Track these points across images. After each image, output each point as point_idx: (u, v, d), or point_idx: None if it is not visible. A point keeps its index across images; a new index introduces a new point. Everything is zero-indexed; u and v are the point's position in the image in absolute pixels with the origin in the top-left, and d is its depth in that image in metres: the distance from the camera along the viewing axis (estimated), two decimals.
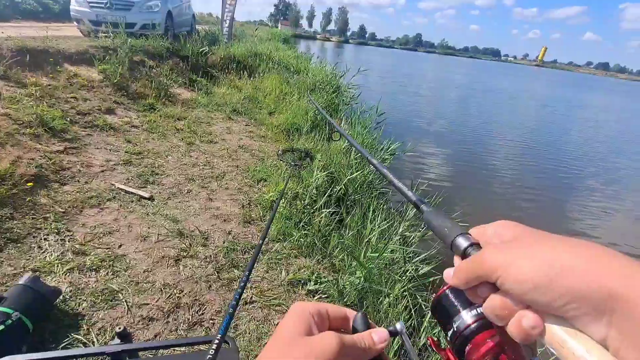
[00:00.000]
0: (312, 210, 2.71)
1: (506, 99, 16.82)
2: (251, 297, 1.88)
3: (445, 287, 0.39)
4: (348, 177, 3.19)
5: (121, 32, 5.60)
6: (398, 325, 0.36)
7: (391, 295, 1.96)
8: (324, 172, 3.21)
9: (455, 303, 0.37)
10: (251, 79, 6.96)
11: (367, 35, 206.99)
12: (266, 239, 2.31)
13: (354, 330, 0.34)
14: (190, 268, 2.02)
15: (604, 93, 35.90)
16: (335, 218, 2.74)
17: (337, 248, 2.39)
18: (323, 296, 1.96)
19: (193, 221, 2.44)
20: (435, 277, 2.31)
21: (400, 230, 2.74)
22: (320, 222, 2.59)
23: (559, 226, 4.22)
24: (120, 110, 4.08)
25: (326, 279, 2.09)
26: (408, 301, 2.03)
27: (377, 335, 0.32)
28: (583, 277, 0.24)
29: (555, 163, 6.85)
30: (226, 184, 3.05)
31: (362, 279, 2.04)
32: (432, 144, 7.19)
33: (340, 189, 3.16)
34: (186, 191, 2.81)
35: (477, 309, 0.35)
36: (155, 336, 1.60)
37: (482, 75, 35.49)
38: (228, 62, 7.45)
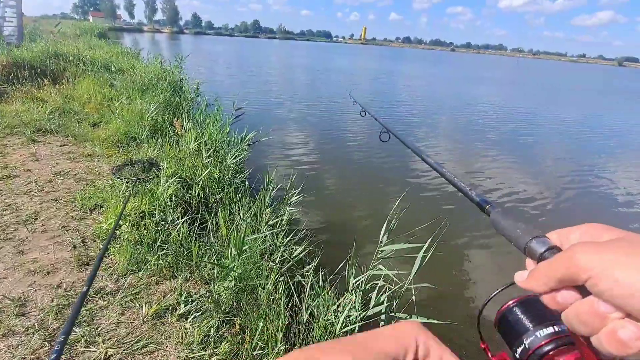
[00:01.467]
0: (166, 225, 2.40)
1: (343, 77, 19.00)
2: (105, 353, 1.55)
3: (511, 302, 0.36)
4: (201, 177, 2.96)
5: None
6: None
7: (268, 285, 1.95)
8: (175, 178, 2.89)
9: (524, 319, 0.34)
10: (57, 86, 5.55)
11: (203, 24, 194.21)
12: (93, 282, 1.91)
13: None
14: (4, 351, 1.50)
15: (410, 62, 44.84)
16: (196, 225, 2.52)
17: (204, 257, 2.22)
18: (197, 314, 1.79)
19: None
20: (311, 253, 2.44)
21: (267, 219, 2.74)
22: (180, 235, 2.34)
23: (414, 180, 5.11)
24: None
25: (198, 295, 1.91)
26: (285, 285, 2.07)
27: None
28: None
29: (399, 126, 8.25)
30: (42, 226, 2.37)
31: (237, 280, 1.96)
32: (292, 128, 7.48)
33: (198, 192, 2.92)
34: None
35: (553, 327, 0.32)
36: None
37: (321, 57, 38.96)
38: (17, 69, 5.74)
